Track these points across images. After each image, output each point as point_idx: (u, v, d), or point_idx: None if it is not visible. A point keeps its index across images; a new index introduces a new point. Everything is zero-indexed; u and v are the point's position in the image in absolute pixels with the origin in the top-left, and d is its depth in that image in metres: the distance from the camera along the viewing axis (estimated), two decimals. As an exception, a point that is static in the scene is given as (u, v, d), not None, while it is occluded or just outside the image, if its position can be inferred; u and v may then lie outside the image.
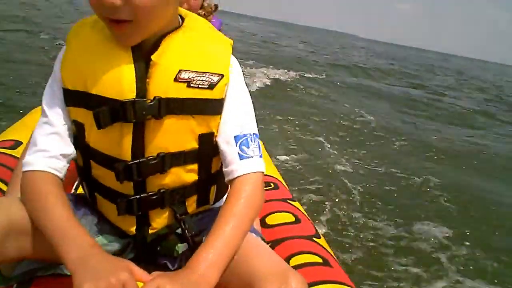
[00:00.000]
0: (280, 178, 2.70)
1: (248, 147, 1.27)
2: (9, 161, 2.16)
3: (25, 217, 1.15)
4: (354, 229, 4.08)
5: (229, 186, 1.28)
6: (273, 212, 2.16)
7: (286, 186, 2.62)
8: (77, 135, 1.28)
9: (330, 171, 5.58)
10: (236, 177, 1.26)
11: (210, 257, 1.11)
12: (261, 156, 1.30)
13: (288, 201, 2.33)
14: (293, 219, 2.12)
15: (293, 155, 5.88)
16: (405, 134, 8.51)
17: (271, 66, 13.95)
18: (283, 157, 5.67)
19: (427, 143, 8.19)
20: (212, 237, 1.15)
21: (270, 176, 2.58)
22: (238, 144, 1.26)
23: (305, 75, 14.27)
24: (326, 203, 4.48)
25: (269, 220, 2.08)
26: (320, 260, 1.80)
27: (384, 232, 4.14)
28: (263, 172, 1.29)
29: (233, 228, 1.16)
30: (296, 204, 2.34)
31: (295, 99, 10.32)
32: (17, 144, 2.37)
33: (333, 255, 1.94)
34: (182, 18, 1.30)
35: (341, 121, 8.75)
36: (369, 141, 7.73)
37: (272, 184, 2.49)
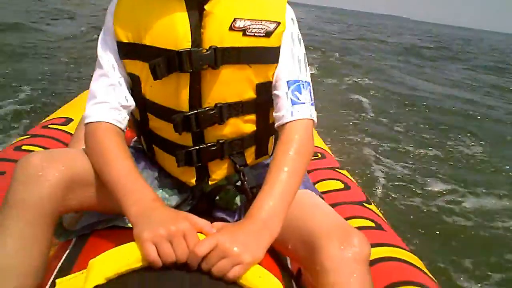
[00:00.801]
0: (327, 148, 2.68)
1: (301, 93, 1.25)
2: (61, 136, 2.24)
3: (89, 169, 1.15)
4: (405, 195, 4.00)
5: (279, 132, 1.26)
6: (322, 180, 2.14)
7: (333, 156, 2.58)
8: (133, 88, 1.28)
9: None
10: (287, 123, 1.23)
11: (270, 205, 1.09)
12: (312, 104, 1.28)
13: (336, 169, 2.30)
14: (342, 186, 2.09)
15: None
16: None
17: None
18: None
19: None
20: (269, 186, 1.13)
21: (316, 146, 2.55)
22: (290, 90, 1.24)
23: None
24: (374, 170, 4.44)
25: (319, 188, 2.06)
26: (373, 224, 1.77)
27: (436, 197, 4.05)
28: (314, 120, 1.27)
29: (288, 175, 1.14)
30: (344, 172, 2.31)
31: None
32: (68, 120, 2.45)
33: (385, 220, 1.90)
34: None
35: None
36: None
37: (319, 154, 2.46)
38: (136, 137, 1.51)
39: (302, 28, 1.31)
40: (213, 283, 0.95)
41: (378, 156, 4.89)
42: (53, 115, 2.64)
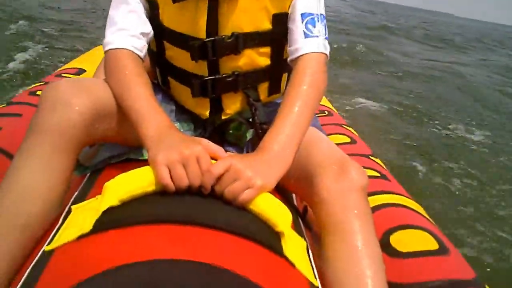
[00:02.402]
0: (331, 107, 2.71)
1: (314, 27, 1.24)
2: None
3: (111, 98, 1.13)
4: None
5: (292, 65, 1.26)
6: (329, 134, 2.17)
7: (337, 113, 2.63)
8: (151, 14, 1.28)
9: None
10: (300, 56, 1.23)
11: (282, 137, 1.09)
12: (326, 38, 1.27)
13: (343, 125, 2.34)
14: (348, 140, 2.14)
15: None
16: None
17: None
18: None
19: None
20: (281, 118, 1.13)
21: (323, 105, 2.59)
22: (304, 22, 1.23)
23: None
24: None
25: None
26: (378, 175, 1.81)
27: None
28: (327, 55, 1.26)
29: (300, 108, 1.14)
30: (350, 128, 2.35)
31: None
32: (80, 71, 2.49)
33: (389, 172, 1.95)
34: None
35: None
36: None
37: (326, 112, 2.51)
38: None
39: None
40: (225, 208, 0.96)
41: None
42: (67, 66, 2.70)
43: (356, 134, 2.30)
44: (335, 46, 8.71)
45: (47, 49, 5.66)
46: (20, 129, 1.67)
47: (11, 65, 4.80)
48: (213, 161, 1.00)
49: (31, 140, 1.01)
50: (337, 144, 2.02)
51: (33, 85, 2.30)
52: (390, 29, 17.02)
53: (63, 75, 2.41)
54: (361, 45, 9.78)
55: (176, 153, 0.95)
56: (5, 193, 0.99)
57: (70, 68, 2.56)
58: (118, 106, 1.13)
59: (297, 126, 1.12)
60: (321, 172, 1.08)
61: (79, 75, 2.43)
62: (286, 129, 1.10)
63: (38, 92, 2.09)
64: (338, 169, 1.07)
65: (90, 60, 2.67)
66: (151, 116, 1.07)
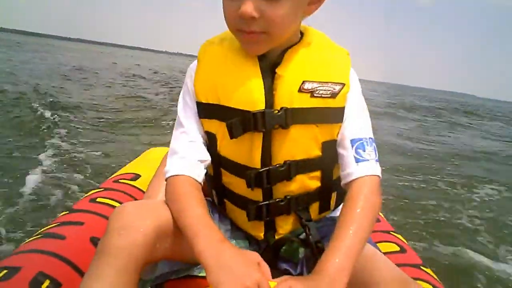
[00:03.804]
0: (380, 213, 2.71)
1: (364, 151, 1.29)
2: (131, 190, 2.41)
3: (171, 219, 1.21)
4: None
5: (346, 190, 1.30)
6: (378, 242, 2.17)
7: (384, 219, 2.62)
8: (209, 145, 1.38)
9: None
10: (352, 180, 1.28)
11: (338, 261, 1.11)
12: (377, 161, 1.32)
13: (391, 232, 2.33)
14: (398, 248, 2.11)
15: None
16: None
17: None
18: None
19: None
20: (336, 242, 1.15)
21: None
22: (354, 148, 1.29)
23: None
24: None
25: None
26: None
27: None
28: (379, 176, 1.31)
29: (355, 232, 1.17)
30: (399, 235, 2.32)
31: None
32: (136, 176, 2.62)
33: (442, 284, 1.90)
34: (301, 33, 1.37)
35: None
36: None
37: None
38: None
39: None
40: None
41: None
42: (122, 170, 2.84)
43: (405, 241, 2.27)
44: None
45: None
46: (83, 239, 1.79)
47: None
48: (272, 283, 1.05)
49: (99, 261, 1.09)
50: (387, 253, 2.05)
51: (92, 191, 2.42)
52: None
53: (120, 181, 2.55)
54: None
55: (239, 284, 1.00)
56: None
57: (126, 174, 2.70)
58: (177, 226, 1.20)
59: (352, 250, 1.14)
60: None
61: (135, 180, 2.56)
62: (341, 254, 1.12)
63: (98, 199, 2.21)
64: None
65: (144, 165, 2.82)
66: (206, 233, 1.13)
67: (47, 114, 7.89)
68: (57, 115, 7.92)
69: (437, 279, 1.93)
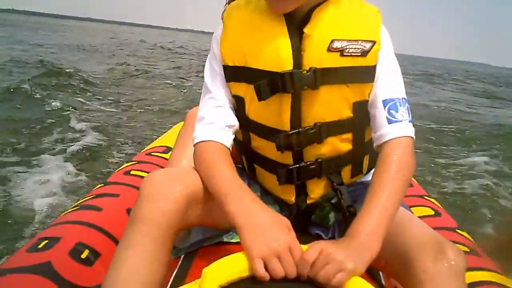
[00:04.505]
0: (412, 177, 2.67)
1: (397, 111, 1.25)
2: (163, 163, 2.45)
3: (201, 185, 1.20)
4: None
5: (379, 151, 1.27)
6: (412, 206, 2.15)
7: (418, 183, 2.59)
8: (237, 109, 1.36)
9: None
10: (385, 142, 1.24)
11: (370, 225, 1.08)
12: (410, 121, 1.27)
13: (425, 197, 2.30)
14: (432, 212, 2.10)
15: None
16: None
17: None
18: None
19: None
20: (369, 205, 1.12)
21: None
22: (386, 108, 1.25)
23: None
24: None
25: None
26: (467, 250, 1.75)
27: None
28: (412, 137, 1.26)
29: (388, 195, 1.13)
30: (432, 199, 2.30)
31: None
32: (168, 149, 2.67)
33: (477, 246, 1.87)
34: None
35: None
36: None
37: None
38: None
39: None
40: None
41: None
42: (154, 144, 2.89)
43: (440, 205, 2.24)
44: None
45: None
46: (119, 210, 1.83)
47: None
48: (304, 246, 1.04)
49: (131, 230, 1.10)
50: (421, 217, 2.03)
51: (125, 164, 2.48)
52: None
53: (152, 154, 2.59)
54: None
55: (271, 248, 1.00)
56: (113, 281, 1.06)
57: (157, 147, 2.74)
58: (207, 192, 1.20)
59: (385, 213, 1.11)
60: (417, 253, 1.08)
61: (166, 153, 2.60)
62: (374, 217, 1.10)
63: (132, 172, 2.26)
64: (436, 251, 1.07)
65: (175, 138, 2.85)
66: (237, 194, 1.13)
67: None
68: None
69: (473, 241, 1.91)
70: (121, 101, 8.36)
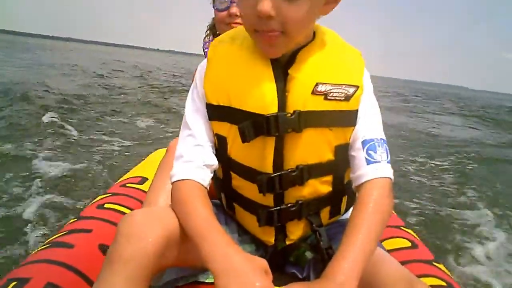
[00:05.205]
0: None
1: (376, 152, 1.26)
2: (139, 194, 2.40)
3: (179, 226, 1.20)
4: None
5: (357, 192, 1.28)
6: (389, 238, 2.15)
7: (395, 213, 2.59)
8: (219, 147, 1.35)
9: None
10: (363, 182, 1.25)
11: (347, 266, 1.09)
12: (388, 162, 1.28)
13: (401, 227, 2.30)
14: (409, 244, 2.09)
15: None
16: None
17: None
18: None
19: None
20: (346, 247, 1.13)
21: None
22: (365, 149, 1.27)
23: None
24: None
25: (386, 245, 2.07)
26: (444, 284, 1.75)
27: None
28: (391, 178, 1.28)
29: (365, 236, 1.14)
30: (409, 230, 2.30)
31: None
32: (143, 180, 2.62)
33: (453, 279, 1.88)
34: (313, 32, 1.32)
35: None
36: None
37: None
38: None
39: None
40: None
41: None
42: (129, 174, 2.83)
43: (416, 236, 2.25)
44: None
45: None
46: (92, 247, 1.78)
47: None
48: None
49: (109, 270, 1.08)
50: (398, 249, 2.03)
51: (99, 197, 2.42)
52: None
53: (127, 185, 2.54)
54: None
55: None
56: None
57: (133, 177, 2.69)
58: (185, 232, 1.19)
59: (361, 255, 1.12)
60: None
61: (142, 184, 2.56)
62: (350, 258, 1.11)
63: (106, 205, 2.21)
64: None
65: (150, 168, 2.80)
66: (212, 237, 1.12)
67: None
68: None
69: (449, 274, 1.91)
70: (94, 125, 8.22)
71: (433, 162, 7.65)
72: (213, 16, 2.43)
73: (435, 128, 13.17)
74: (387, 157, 1.29)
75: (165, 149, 3.27)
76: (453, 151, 8.89)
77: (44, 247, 1.78)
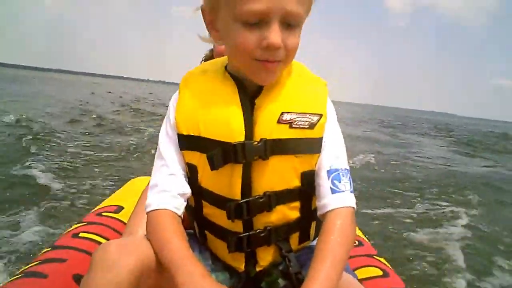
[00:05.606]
0: (362, 235, 2.73)
1: (340, 182, 1.31)
2: (114, 224, 2.40)
3: (153, 255, 1.22)
4: None
5: (322, 219, 1.32)
6: (361, 267, 2.19)
7: (370, 243, 2.64)
8: (190, 176, 1.39)
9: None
10: (328, 211, 1.29)
11: None
12: (352, 192, 1.33)
13: (374, 256, 2.35)
14: (381, 273, 2.13)
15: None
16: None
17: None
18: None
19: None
20: (313, 273, 1.17)
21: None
22: (330, 178, 1.31)
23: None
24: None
25: (358, 274, 2.11)
26: None
27: None
28: (354, 207, 1.32)
29: (331, 263, 1.18)
30: (382, 259, 2.35)
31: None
32: (119, 209, 2.62)
33: None
34: None
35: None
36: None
37: (356, 241, 2.51)
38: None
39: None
40: None
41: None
42: (105, 203, 2.83)
43: (388, 265, 2.29)
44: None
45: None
46: (66, 276, 1.77)
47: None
48: None
49: None
50: (370, 278, 2.07)
51: (74, 226, 2.40)
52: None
53: (103, 214, 2.54)
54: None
55: None
56: None
57: (108, 206, 2.69)
58: (160, 262, 1.22)
59: (329, 280, 1.16)
60: None
61: (118, 213, 2.55)
62: (318, 285, 1.14)
63: (81, 234, 2.20)
64: None
65: (127, 196, 2.82)
66: (187, 268, 1.15)
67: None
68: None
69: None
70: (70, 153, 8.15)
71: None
72: (209, 48, 2.48)
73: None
74: (351, 187, 1.34)
75: (142, 177, 3.30)
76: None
77: (16, 277, 1.76)
